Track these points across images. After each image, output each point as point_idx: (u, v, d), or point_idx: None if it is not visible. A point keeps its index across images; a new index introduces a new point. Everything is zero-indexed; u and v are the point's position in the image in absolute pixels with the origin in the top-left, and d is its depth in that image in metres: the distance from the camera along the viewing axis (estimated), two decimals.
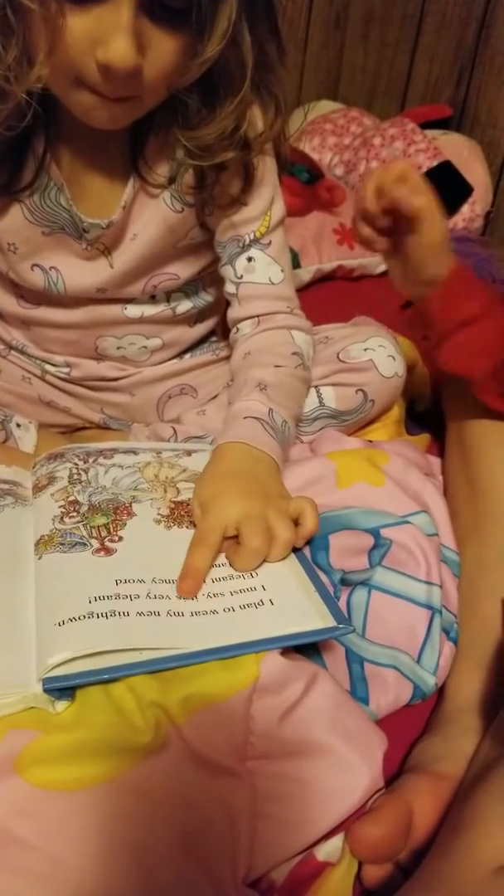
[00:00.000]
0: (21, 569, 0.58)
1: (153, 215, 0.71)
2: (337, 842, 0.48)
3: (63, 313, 0.77)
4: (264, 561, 0.57)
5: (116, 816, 0.43)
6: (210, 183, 0.68)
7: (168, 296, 0.80)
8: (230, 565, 0.57)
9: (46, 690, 0.47)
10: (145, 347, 0.82)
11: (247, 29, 0.58)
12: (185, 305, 0.81)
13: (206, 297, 0.83)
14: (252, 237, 0.73)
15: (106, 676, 0.48)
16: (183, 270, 0.77)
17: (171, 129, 0.65)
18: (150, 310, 0.79)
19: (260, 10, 0.59)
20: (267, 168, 0.71)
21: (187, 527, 0.62)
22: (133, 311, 0.79)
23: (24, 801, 0.43)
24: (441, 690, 0.63)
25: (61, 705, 0.48)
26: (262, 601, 0.54)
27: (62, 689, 0.48)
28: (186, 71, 0.57)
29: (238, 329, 0.78)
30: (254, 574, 0.57)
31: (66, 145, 0.67)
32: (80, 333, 0.79)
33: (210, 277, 0.81)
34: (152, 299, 0.79)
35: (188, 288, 0.81)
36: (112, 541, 0.58)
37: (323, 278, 1.34)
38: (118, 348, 0.81)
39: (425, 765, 0.54)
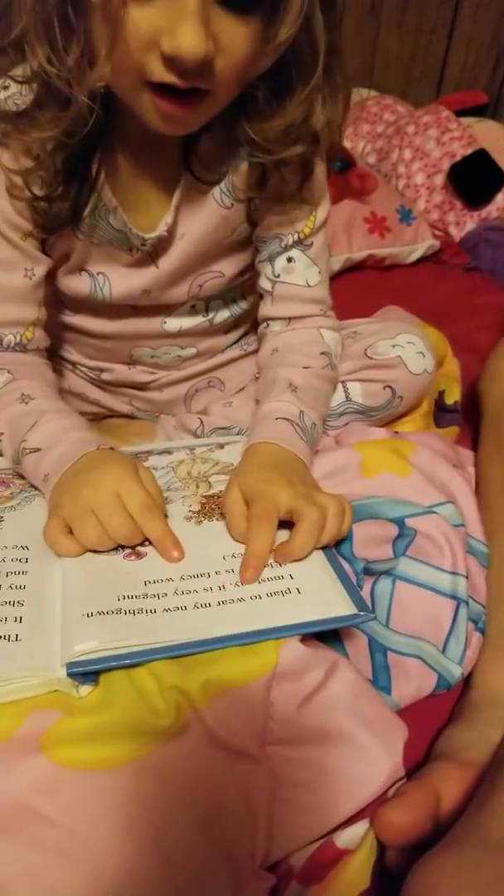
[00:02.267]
0: (49, 557, 0.59)
1: (202, 212, 0.70)
2: (357, 829, 0.48)
3: (100, 323, 0.78)
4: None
5: (137, 797, 0.44)
6: (273, 180, 0.66)
7: (207, 305, 0.79)
8: (284, 550, 0.57)
9: (70, 675, 0.48)
10: (179, 356, 0.83)
11: (319, 9, 0.55)
12: (222, 315, 0.81)
13: (243, 305, 0.83)
14: (295, 238, 0.72)
15: (128, 661, 0.49)
16: (228, 267, 0.76)
17: (230, 124, 0.63)
18: (188, 322, 0.79)
19: None
20: (318, 165, 0.69)
21: (217, 519, 0.63)
22: (172, 324, 0.78)
23: (48, 778, 0.44)
24: (467, 679, 0.62)
25: (85, 690, 0.49)
26: (288, 589, 0.54)
27: (85, 673, 0.49)
28: (259, 59, 0.55)
29: (268, 325, 0.78)
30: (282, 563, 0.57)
31: (119, 161, 0.66)
32: (115, 343, 0.80)
33: (249, 284, 0.80)
34: (192, 309, 0.79)
35: (227, 295, 0.80)
36: (143, 545, 0.59)
37: (353, 267, 1.33)
38: (152, 357, 0.82)
39: (452, 753, 0.54)
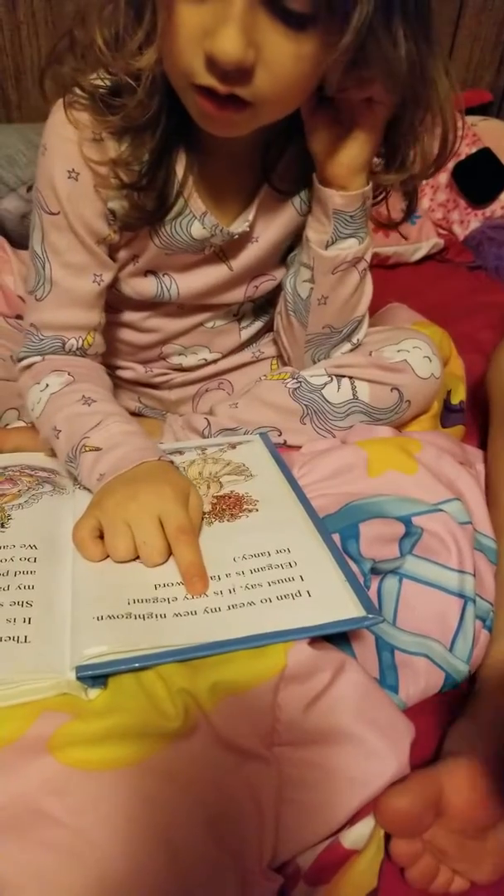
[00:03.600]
0: (58, 557, 0.59)
1: (279, 219, 0.73)
2: (363, 829, 0.48)
3: (142, 318, 0.79)
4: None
5: (145, 798, 0.44)
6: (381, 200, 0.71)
7: (239, 309, 0.82)
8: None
9: (80, 678, 0.48)
10: (205, 360, 0.84)
11: (401, 25, 0.54)
12: (249, 318, 0.84)
13: (270, 311, 0.85)
14: None
15: (137, 665, 0.49)
16: (281, 272, 0.79)
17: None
18: (220, 322, 0.82)
19: (411, 8, 0.54)
20: None
21: (228, 520, 0.63)
22: (209, 323, 0.81)
23: (56, 779, 0.44)
24: (474, 676, 0.62)
25: (94, 693, 0.49)
26: (298, 592, 0.54)
27: (95, 676, 0.49)
28: (312, 79, 0.56)
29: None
30: (293, 563, 0.57)
31: (204, 166, 0.68)
32: (152, 337, 0.81)
33: (276, 290, 0.82)
34: (230, 313, 0.82)
35: (259, 301, 0.83)
36: None
37: None
38: (179, 355, 0.83)
39: (460, 748, 0.54)
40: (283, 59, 0.52)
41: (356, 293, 0.75)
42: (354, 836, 0.47)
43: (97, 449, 0.65)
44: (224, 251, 0.74)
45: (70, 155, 0.64)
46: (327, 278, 0.72)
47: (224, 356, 0.86)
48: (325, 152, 0.65)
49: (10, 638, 0.50)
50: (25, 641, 0.50)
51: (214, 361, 0.85)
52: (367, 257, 0.74)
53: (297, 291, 0.76)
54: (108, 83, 0.61)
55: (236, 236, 0.72)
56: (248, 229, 0.71)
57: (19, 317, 0.91)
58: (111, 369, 0.84)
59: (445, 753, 0.54)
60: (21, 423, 0.83)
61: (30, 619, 0.52)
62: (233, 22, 0.49)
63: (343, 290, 0.73)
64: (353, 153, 0.65)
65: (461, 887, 0.49)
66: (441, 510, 0.66)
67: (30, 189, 1.14)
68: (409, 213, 0.75)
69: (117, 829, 0.43)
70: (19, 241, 1.12)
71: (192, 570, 0.56)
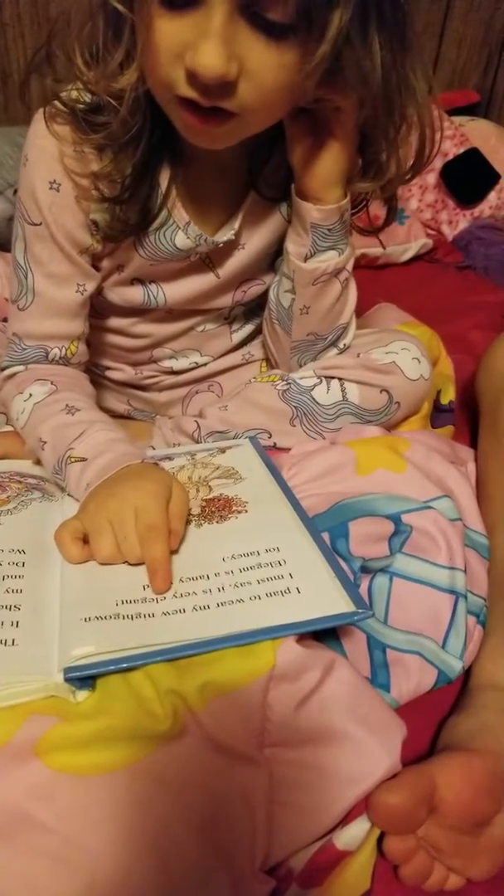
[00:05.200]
0: (47, 562, 0.59)
1: (265, 225, 0.73)
2: (357, 830, 0.47)
3: (130, 324, 0.79)
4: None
5: (134, 802, 0.43)
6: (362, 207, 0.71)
7: (230, 312, 0.82)
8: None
9: (68, 680, 0.48)
10: (196, 363, 0.84)
11: (376, 32, 0.54)
12: (240, 322, 0.84)
13: (261, 315, 0.84)
14: None
15: (125, 665, 0.49)
16: (270, 276, 0.79)
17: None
18: (211, 325, 0.82)
19: (387, 16, 0.54)
20: None
21: (217, 522, 0.62)
22: (200, 327, 0.81)
23: (44, 784, 0.43)
24: (468, 672, 0.62)
25: (82, 695, 0.49)
26: (288, 589, 0.54)
27: (82, 678, 0.48)
28: (295, 88, 0.55)
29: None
30: (282, 562, 0.57)
31: (188, 177, 0.67)
32: (141, 342, 0.81)
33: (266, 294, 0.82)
34: (220, 316, 0.81)
35: (250, 304, 0.82)
36: None
37: None
38: (170, 358, 0.83)
39: (455, 743, 0.54)
40: (265, 70, 0.52)
41: (339, 302, 0.74)
42: (348, 836, 0.47)
43: (83, 459, 0.65)
44: (210, 258, 0.73)
45: (51, 166, 0.64)
46: (308, 289, 0.72)
47: (214, 359, 0.86)
48: (301, 164, 0.65)
49: None
50: (13, 644, 0.50)
51: (205, 364, 0.85)
52: (349, 267, 0.74)
53: (280, 301, 0.76)
54: (88, 99, 0.61)
55: (221, 245, 0.71)
56: (233, 237, 0.71)
57: (5, 320, 0.91)
58: (100, 370, 0.84)
59: (439, 749, 0.54)
60: (9, 428, 0.83)
61: (17, 622, 0.52)
62: (213, 36, 0.49)
63: (325, 300, 0.73)
64: (328, 165, 0.64)
65: (456, 884, 0.49)
66: (431, 507, 0.65)
67: (16, 192, 1.13)
68: (389, 220, 0.74)
69: (107, 835, 0.42)
70: (7, 244, 1.11)
71: (154, 566, 0.55)
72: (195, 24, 0.50)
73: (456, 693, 0.61)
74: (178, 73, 0.52)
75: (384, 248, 1.34)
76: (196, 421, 0.82)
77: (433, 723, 0.58)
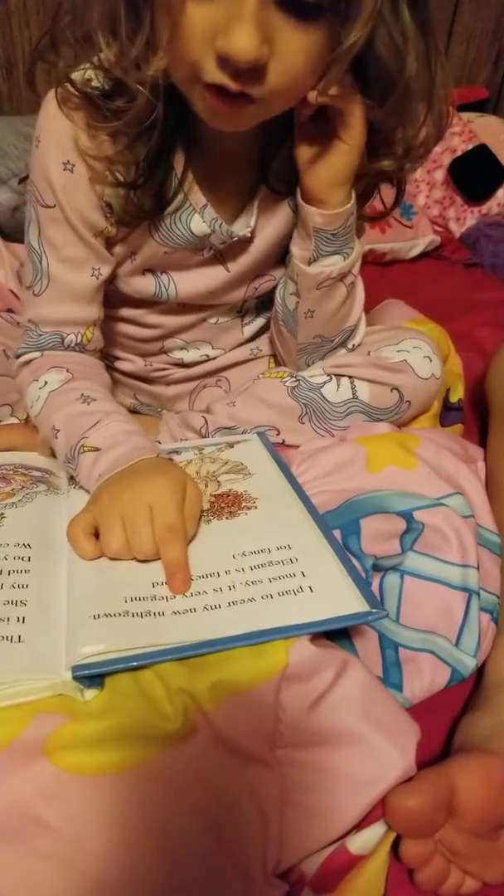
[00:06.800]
0: (53, 556, 0.58)
1: (275, 220, 0.72)
2: (371, 835, 0.47)
3: (143, 314, 0.78)
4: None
5: (143, 803, 0.42)
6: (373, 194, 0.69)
7: (242, 306, 0.81)
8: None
9: (76, 678, 0.47)
10: (207, 356, 0.83)
11: (407, 9, 0.53)
12: (252, 316, 0.83)
13: (270, 309, 0.83)
14: None
15: (135, 664, 0.48)
16: (280, 272, 0.78)
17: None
18: (223, 318, 0.81)
19: None
20: None
21: (227, 518, 0.62)
22: (212, 319, 0.80)
23: (51, 784, 0.42)
24: (481, 669, 0.61)
25: (90, 694, 0.48)
26: (300, 588, 0.53)
27: (91, 676, 0.47)
28: (320, 70, 0.54)
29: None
30: (294, 560, 0.56)
31: (203, 165, 0.66)
32: (153, 332, 0.80)
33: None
34: (232, 310, 0.81)
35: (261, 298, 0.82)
36: None
37: None
38: (181, 349, 0.82)
39: (473, 743, 0.53)
40: (293, 53, 0.51)
41: (345, 305, 0.73)
42: (362, 841, 0.46)
43: (96, 449, 0.63)
44: (222, 254, 0.72)
45: (65, 146, 0.63)
46: (312, 293, 0.71)
47: (225, 352, 0.85)
48: (307, 163, 0.64)
49: (3, 637, 0.49)
50: (19, 641, 0.49)
51: (215, 358, 0.84)
52: (355, 270, 0.72)
53: (286, 303, 0.76)
54: (101, 83, 0.59)
55: (236, 237, 0.70)
56: (249, 234, 0.70)
57: (10, 310, 0.90)
58: (110, 360, 0.83)
59: (456, 749, 0.53)
60: (14, 420, 0.82)
61: (24, 618, 0.51)
62: (247, 19, 0.48)
63: (329, 303, 0.72)
64: (334, 166, 0.63)
65: (472, 888, 0.48)
66: (443, 504, 0.65)
67: (21, 181, 1.12)
68: (398, 201, 0.72)
69: (114, 837, 0.41)
70: (11, 234, 1.10)
71: (174, 568, 0.55)
72: (227, 8, 0.49)
73: (468, 691, 0.60)
74: (207, 58, 0.51)
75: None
76: (203, 416, 0.81)
77: (446, 721, 0.57)
